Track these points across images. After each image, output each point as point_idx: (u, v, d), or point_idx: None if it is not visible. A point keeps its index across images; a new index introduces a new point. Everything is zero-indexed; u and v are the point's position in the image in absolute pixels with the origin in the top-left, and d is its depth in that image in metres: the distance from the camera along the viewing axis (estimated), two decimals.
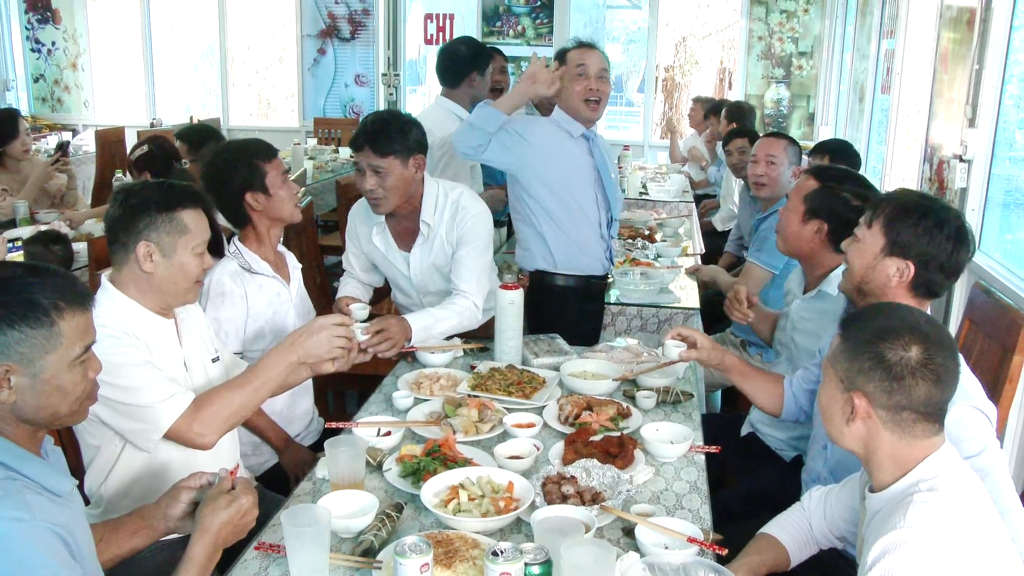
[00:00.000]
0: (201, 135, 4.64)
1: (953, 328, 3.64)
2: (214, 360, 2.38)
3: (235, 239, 2.78)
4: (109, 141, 7.28)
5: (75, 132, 9.72)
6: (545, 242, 3.47)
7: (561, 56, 3.42)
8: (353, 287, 3.34)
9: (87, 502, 2.21)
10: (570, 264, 3.50)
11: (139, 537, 1.85)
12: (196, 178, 4.11)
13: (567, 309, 3.50)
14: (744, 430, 3.01)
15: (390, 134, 2.95)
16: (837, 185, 2.76)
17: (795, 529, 2.01)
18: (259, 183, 2.71)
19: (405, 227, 3.19)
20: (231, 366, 2.48)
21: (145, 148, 4.37)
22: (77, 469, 2.26)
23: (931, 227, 2.09)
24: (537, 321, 3.40)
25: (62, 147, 5.87)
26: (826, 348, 2.45)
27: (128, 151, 4.95)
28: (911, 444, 1.65)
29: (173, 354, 2.22)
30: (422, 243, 3.17)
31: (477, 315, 3.12)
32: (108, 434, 2.14)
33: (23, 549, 1.40)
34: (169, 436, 2.10)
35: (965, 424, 1.89)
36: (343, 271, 3.43)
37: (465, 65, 4.30)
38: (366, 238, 3.27)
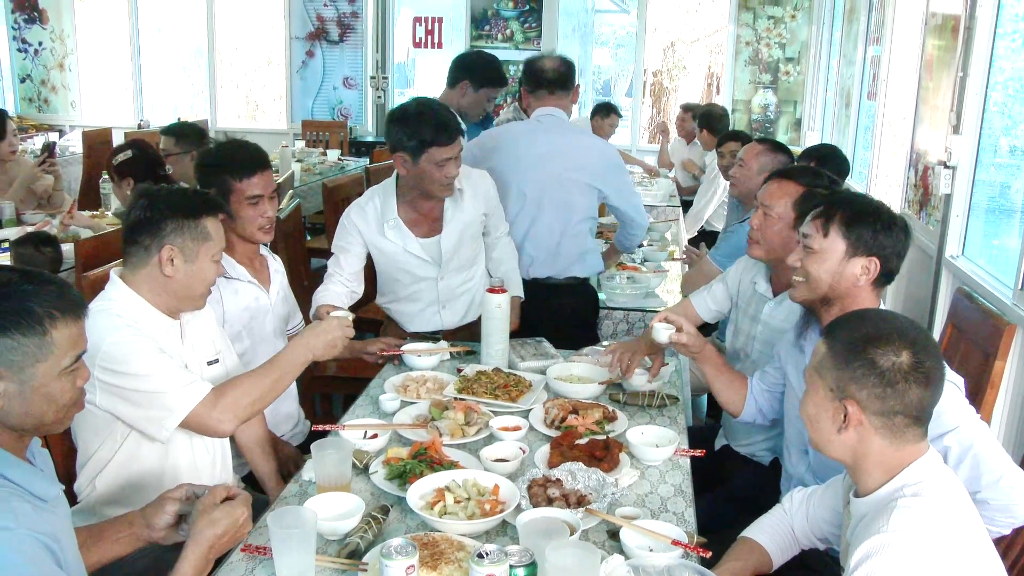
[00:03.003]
0: (184, 128, 4.57)
1: (936, 333, 3.67)
2: (210, 363, 2.40)
3: None
4: (96, 142, 7.24)
5: (62, 133, 9.66)
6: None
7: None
8: (333, 295, 3.16)
9: (75, 500, 2.21)
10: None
11: (120, 544, 1.85)
12: (179, 180, 4.11)
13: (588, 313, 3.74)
14: (718, 443, 3.00)
15: (453, 118, 3.11)
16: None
17: (777, 532, 2.03)
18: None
19: (423, 213, 3.20)
20: (233, 369, 2.48)
21: (128, 153, 4.31)
22: (65, 469, 2.27)
23: (887, 223, 2.18)
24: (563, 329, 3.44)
25: (49, 148, 5.84)
26: (784, 350, 2.47)
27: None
28: (900, 449, 1.66)
29: (174, 353, 2.23)
30: (453, 209, 3.21)
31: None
32: (110, 430, 2.15)
33: (6, 559, 1.40)
34: (187, 423, 2.12)
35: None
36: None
37: (461, 71, 4.29)
38: (375, 236, 3.20)
